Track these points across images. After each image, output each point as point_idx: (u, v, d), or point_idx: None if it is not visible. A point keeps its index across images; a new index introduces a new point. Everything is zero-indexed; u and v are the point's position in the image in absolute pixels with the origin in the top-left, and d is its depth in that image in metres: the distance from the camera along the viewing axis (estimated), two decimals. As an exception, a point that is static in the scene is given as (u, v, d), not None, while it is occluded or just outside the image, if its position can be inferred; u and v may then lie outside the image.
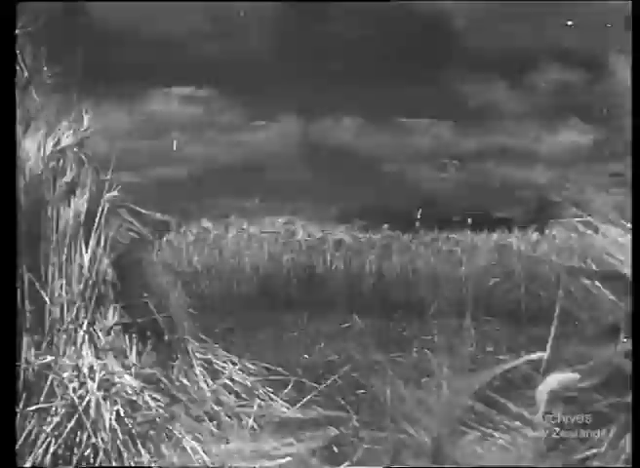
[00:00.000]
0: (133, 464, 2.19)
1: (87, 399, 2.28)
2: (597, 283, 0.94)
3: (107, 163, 2.78)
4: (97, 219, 2.64)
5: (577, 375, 0.84)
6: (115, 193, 2.76)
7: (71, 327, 2.45)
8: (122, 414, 2.28)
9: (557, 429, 0.83)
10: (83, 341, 2.45)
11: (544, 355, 0.89)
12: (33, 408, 2.28)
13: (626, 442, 0.81)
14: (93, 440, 2.22)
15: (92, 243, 2.61)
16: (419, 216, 17.26)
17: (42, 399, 2.30)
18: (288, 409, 2.67)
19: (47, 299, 2.47)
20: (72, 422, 2.25)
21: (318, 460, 0.79)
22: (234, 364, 2.94)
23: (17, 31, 2.52)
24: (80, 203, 2.65)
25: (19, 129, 2.52)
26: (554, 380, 0.85)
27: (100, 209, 2.66)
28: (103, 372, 2.37)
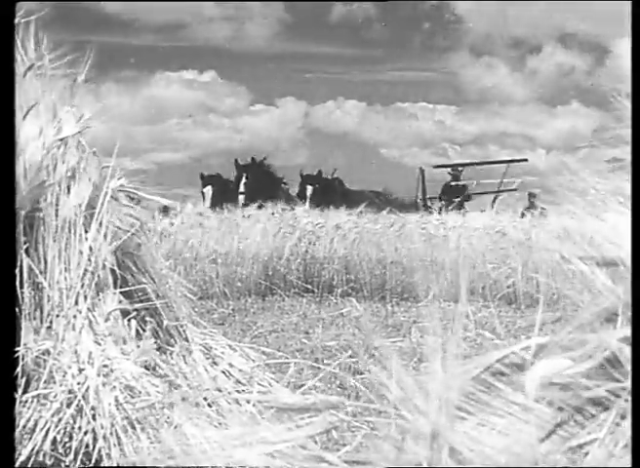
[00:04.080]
0: (132, 449, 2.19)
1: (86, 385, 2.29)
2: (595, 268, 0.94)
3: (109, 148, 2.78)
4: (97, 206, 2.64)
5: (568, 361, 0.84)
6: (122, 182, 2.76)
7: (70, 312, 2.45)
8: (121, 400, 2.29)
9: (555, 414, 0.83)
10: (82, 327, 2.46)
11: (541, 340, 0.89)
12: (32, 393, 2.29)
13: (626, 427, 0.81)
14: (92, 425, 2.23)
15: (92, 229, 2.61)
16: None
17: (41, 385, 2.31)
18: (287, 394, 2.68)
19: (46, 285, 2.48)
20: (71, 408, 2.26)
21: (317, 446, 0.79)
22: (233, 349, 2.95)
23: (18, 18, 2.51)
24: (81, 189, 2.64)
25: (19, 115, 2.52)
26: (545, 366, 0.85)
27: (102, 195, 2.65)
28: (102, 358, 2.37)
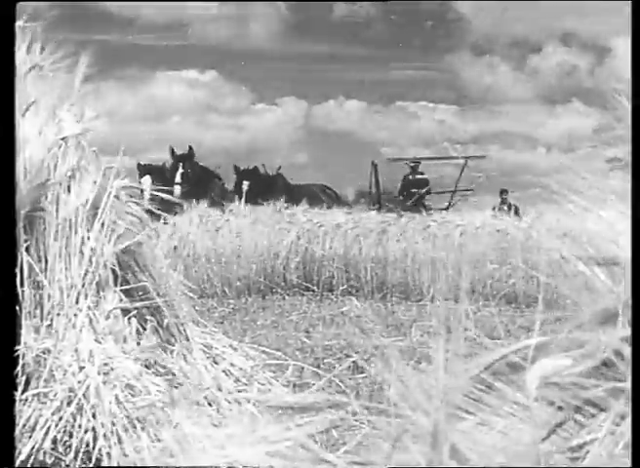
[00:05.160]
0: (132, 448, 2.19)
1: (86, 383, 2.29)
2: (594, 268, 0.94)
3: (109, 147, 2.78)
4: (100, 204, 2.64)
5: (568, 361, 0.84)
6: (125, 182, 2.76)
7: (71, 311, 2.45)
8: (121, 399, 2.29)
9: (555, 414, 0.83)
10: (83, 325, 2.46)
11: (540, 340, 0.89)
12: (33, 392, 2.29)
13: (626, 427, 0.81)
14: (92, 424, 2.23)
15: (94, 228, 2.61)
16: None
17: (41, 383, 2.31)
18: (287, 393, 2.69)
19: (46, 283, 2.48)
20: (72, 407, 2.26)
21: (317, 445, 0.79)
22: (234, 348, 2.95)
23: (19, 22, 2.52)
24: (82, 188, 2.64)
25: (19, 114, 2.52)
26: (545, 366, 0.85)
27: (105, 194, 2.65)
28: (103, 357, 2.37)
